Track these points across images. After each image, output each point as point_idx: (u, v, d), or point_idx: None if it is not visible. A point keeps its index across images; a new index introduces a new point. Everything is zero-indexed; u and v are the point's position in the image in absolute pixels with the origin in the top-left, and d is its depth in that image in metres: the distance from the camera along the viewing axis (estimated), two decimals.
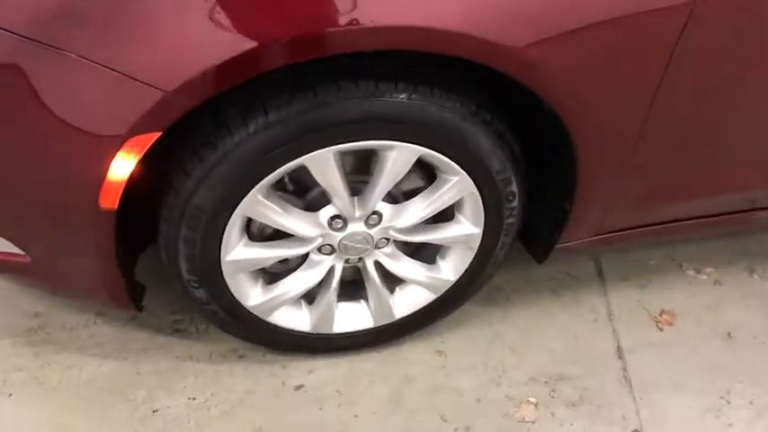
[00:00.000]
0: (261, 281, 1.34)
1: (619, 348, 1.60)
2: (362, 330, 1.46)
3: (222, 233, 1.17)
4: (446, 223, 1.34)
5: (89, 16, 0.91)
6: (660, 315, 1.68)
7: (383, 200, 1.25)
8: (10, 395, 1.38)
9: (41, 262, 1.20)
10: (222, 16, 0.92)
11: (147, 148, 1.01)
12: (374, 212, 1.25)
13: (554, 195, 1.37)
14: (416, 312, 1.47)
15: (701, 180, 1.39)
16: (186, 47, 0.93)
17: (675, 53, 1.09)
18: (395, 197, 1.32)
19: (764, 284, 1.79)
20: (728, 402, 1.50)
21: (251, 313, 1.34)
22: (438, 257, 1.42)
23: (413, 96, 1.08)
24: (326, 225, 1.24)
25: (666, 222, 1.50)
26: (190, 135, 1.11)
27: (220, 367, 1.47)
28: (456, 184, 1.23)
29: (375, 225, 1.27)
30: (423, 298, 1.45)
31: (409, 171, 1.24)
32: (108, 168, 1.01)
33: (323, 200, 1.23)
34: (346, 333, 1.46)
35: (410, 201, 1.28)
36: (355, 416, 1.41)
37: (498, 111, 1.21)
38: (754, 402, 1.50)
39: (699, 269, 1.82)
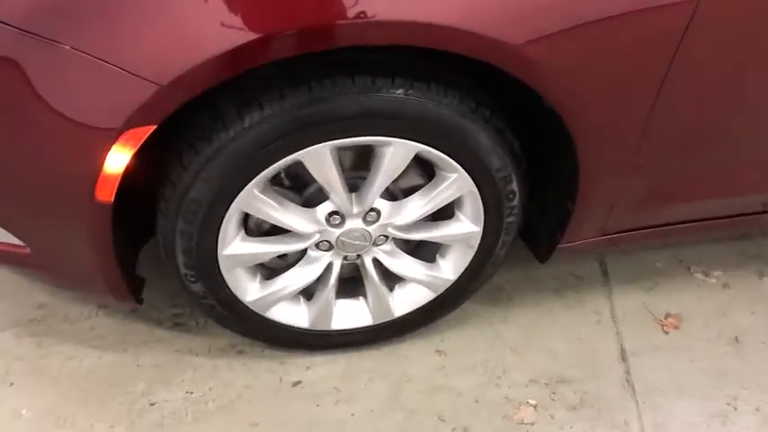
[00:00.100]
0: (259, 276, 1.34)
1: (622, 351, 1.57)
2: (361, 328, 1.46)
3: (219, 227, 1.17)
4: (446, 221, 1.33)
5: (84, 9, 0.92)
6: (666, 318, 1.66)
7: (381, 197, 1.24)
8: (11, 384, 1.40)
9: (41, 253, 1.21)
10: (216, 9, 0.92)
11: (142, 141, 1.02)
12: (372, 209, 1.24)
13: (556, 194, 1.36)
14: (416, 311, 1.46)
15: (706, 181, 1.36)
16: (181, 40, 0.93)
17: (679, 52, 1.07)
18: (394, 194, 1.31)
19: None
20: (735, 409, 1.47)
21: (248, 308, 1.34)
22: (438, 256, 1.41)
23: (410, 92, 1.07)
24: (324, 221, 1.24)
25: (673, 224, 1.48)
26: (187, 128, 1.11)
27: (219, 362, 1.48)
28: (455, 182, 1.22)
29: (373, 222, 1.26)
30: (422, 296, 1.44)
31: (408, 168, 1.23)
32: (104, 161, 1.02)
33: (321, 196, 1.22)
34: (345, 330, 1.45)
35: (408, 198, 1.27)
36: (352, 414, 1.41)
37: (499, 109, 1.20)
38: (761, 409, 1.47)
39: (707, 272, 1.79)
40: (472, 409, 1.43)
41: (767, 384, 1.51)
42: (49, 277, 1.41)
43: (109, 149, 1.00)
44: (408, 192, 1.29)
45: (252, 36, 0.92)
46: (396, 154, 1.14)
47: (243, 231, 1.24)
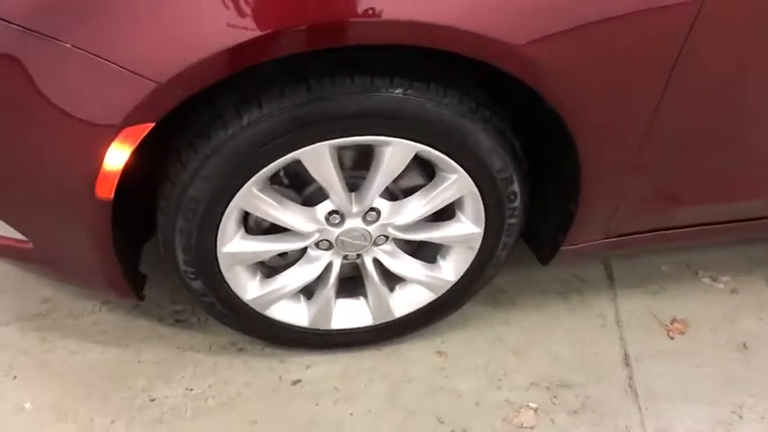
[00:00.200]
0: (259, 274, 1.34)
1: (626, 356, 1.55)
2: (361, 328, 1.45)
3: (218, 225, 1.17)
4: (446, 222, 1.32)
5: (84, 7, 0.92)
6: (671, 323, 1.63)
7: (382, 197, 1.24)
8: (15, 377, 1.42)
9: (43, 249, 1.22)
10: (214, 8, 0.92)
11: (140, 138, 1.02)
12: (372, 209, 1.24)
13: (558, 196, 1.35)
14: (416, 312, 1.45)
15: (712, 184, 1.34)
16: (179, 38, 0.93)
17: (683, 53, 1.05)
18: (394, 194, 1.31)
19: None
20: (740, 417, 1.45)
21: (248, 306, 1.34)
22: (439, 257, 1.40)
23: (409, 92, 1.06)
24: (324, 220, 1.24)
25: (678, 227, 1.46)
26: (186, 126, 1.12)
27: (219, 359, 1.48)
28: (455, 183, 1.21)
29: (373, 222, 1.26)
30: (423, 297, 1.44)
31: (408, 168, 1.23)
32: (103, 158, 1.02)
33: (320, 195, 1.22)
34: (345, 330, 1.45)
35: (408, 198, 1.26)
36: (351, 413, 1.40)
37: (500, 109, 1.19)
38: (767, 418, 1.44)
39: (715, 277, 1.76)
40: (472, 411, 1.43)
41: None
42: (52, 272, 1.43)
43: (108, 146, 1.01)
44: (409, 192, 1.28)
45: (249, 35, 0.92)
46: (395, 154, 1.14)
47: (242, 229, 1.24)
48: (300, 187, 1.27)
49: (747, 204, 1.44)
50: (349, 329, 1.45)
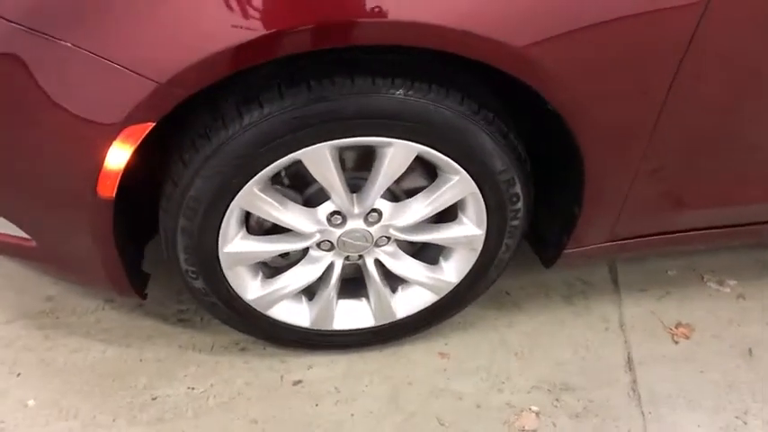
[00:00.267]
0: (261, 274, 1.34)
1: (629, 360, 1.54)
2: (363, 329, 1.45)
3: (219, 225, 1.17)
4: (448, 224, 1.32)
5: (85, 7, 0.93)
6: (676, 327, 1.62)
7: (384, 198, 1.24)
8: (18, 375, 1.43)
9: (46, 247, 1.23)
10: (214, 8, 0.92)
11: (141, 138, 1.03)
12: (373, 210, 1.24)
13: (563, 198, 1.34)
14: (418, 313, 1.45)
15: (719, 187, 1.33)
16: (178, 39, 0.94)
17: (688, 54, 1.04)
18: (396, 195, 1.30)
19: None
20: (745, 423, 1.43)
21: (250, 306, 1.34)
22: (441, 258, 1.40)
23: (410, 93, 1.06)
24: (325, 221, 1.23)
25: (684, 231, 1.44)
26: (189, 126, 1.12)
27: (221, 358, 1.49)
28: (456, 184, 1.20)
29: (375, 223, 1.26)
30: (425, 299, 1.43)
31: (411, 169, 1.22)
32: (105, 157, 1.03)
33: (322, 196, 1.22)
34: (346, 330, 1.45)
35: (410, 199, 1.26)
36: (351, 414, 1.40)
37: (504, 111, 1.18)
38: None
39: (722, 281, 1.74)
40: (473, 413, 1.42)
41: None
42: (55, 270, 1.44)
43: (110, 145, 1.02)
44: (412, 193, 1.28)
45: (249, 35, 0.92)
46: (396, 155, 1.14)
47: (244, 229, 1.24)
48: (302, 188, 1.27)
49: (755, 208, 1.42)
50: (350, 330, 1.45)
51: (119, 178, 1.07)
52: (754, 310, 1.67)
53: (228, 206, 1.15)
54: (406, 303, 1.44)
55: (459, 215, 1.30)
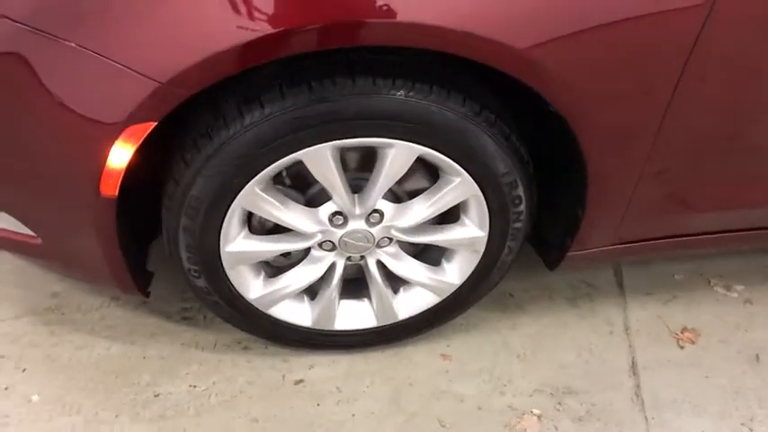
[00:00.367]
0: (263, 274, 1.35)
1: (633, 364, 1.53)
2: (365, 329, 1.45)
3: (221, 224, 1.18)
4: (450, 225, 1.32)
5: (87, 7, 0.94)
6: (682, 332, 1.60)
7: (386, 199, 1.24)
8: (24, 370, 1.44)
9: (51, 244, 1.24)
10: (215, 9, 0.93)
11: (143, 137, 1.03)
12: (375, 211, 1.24)
13: (566, 200, 1.33)
14: (420, 314, 1.44)
15: (725, 190, 1.31)
16: (180, 39, 0.94)
17: (693, 56, 1.03)
18: (399, 197, 1.30)
19: None
20: (751, 430, 1.41)
21: (252, 305, 1.35)
22: (443, 260, 1.39)
23: (411, 94, 1.06)
24: (327, 221, 1.24)
25: (691, 235, 1.43)
26: (190, 126, 1.13)
27: (224, 357, 1.49)
28: (458, 186, 1.20)
29: (376, 223, 1.26)
30: (427, 300, 1.43)
31: (413, 171, 1.22)
32: (107, 156, 1.04)
33: (324, 196, 1.22)
34: (348, 331, 1.45)
35: (412, 201, 1.26)
36: (352, 415, 1.40)
37: (506, 112, 1.18)
38: None
39: (729, 286, 1.72)
40: (474, 416, 1.41)
41: None
42: (60, 268, 1.45)
43: (112, 144, 1.02)
44: (414, 194, 1.28)
45: (250, 35, 0.92)
46: (397, 156, 1.13)
47: (246, 229, 1.24)
48: (304, 188, 1.27)
49: (761, 212, 1.40)
50: (352, 331, 1.45)
51: (121, 177, 1.08)
52: (762, 316, 1.65)
53: (230, 206, 1.15)
54: (408, 304, 1.43)
55: (462, 217, 1.30)
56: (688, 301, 1.68)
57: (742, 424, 1.42)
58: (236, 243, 1.23)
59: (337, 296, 1.39)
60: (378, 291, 1.39)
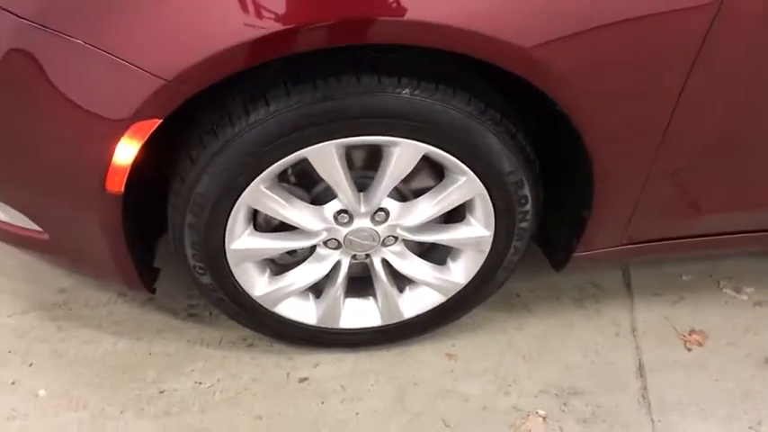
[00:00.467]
0: (268, 271, 1.35)
1: (640, 366, 1.51)
2: (370, 328, 1.45)
3: (226, 222, 1.18)
4: (456, 224, 1.31)
5: (93, 4, 0.94)
6: (690, 334, 1.59)
7: (391, 197, 1.23)
8: (31, 365, 1.45)
9: (58, 240, 1.25)
10: (220, 5, 0.93)
11: (149, 134, 1.04)
12: (380, 209, 1.23)
13: (572, 201, 1.32)
14: (425, 313, 1.44)
15: (735, 191, 1.30)
16: (184, 36, 0.94)
17: (701, 55, 1.02)
18: (404, 195, 1.30)
19: None
20: None
21: (257, 303, 1.35)
22: (449, 259, 1.39)
23: (416, 92, 1.06)
24: (332, 219, 1.24)
25: (701, 235, 1.41)
26: (196, 123, 1.13)
27: (229, 354, 1.50)
28: (464, 185, 1.20)
29: (382, 222, 1.26)
30: (432, 299, 1.43)
31: (419, 169, 1.22)
32: (113, 152, 1.04)
33: (329, 194, 1.22)
34: (353, 329, 1.45)
35: (417, 199, 1.25)
36: (356, 413, 1.40)
37: (512, 111, 1.17)
38: None
39: (738, 288, 1.71)
40: (479, 416, 1.41)
41: None
42: (67, 264, 1.46)
43: (118, 141, 1.03)
44: (420, 193, 1.27)
45: (253, 33, 0.92)
46: (403, 155, 1.13)
47: (251, 226, 1.25)
48: (310, 186, 1.27)
49: None
50: (357, 329, 1.45)
51: (127, 174, 1.08)
52: None
53: (235, 203, 1.16)
54: (414, 303, 1.43)
55: (467, 216, 1.29)
56: (696, 302, 1.67)
57: (750, 428, 1.41)
58: (242, 240, 1.23)
59: (342, 294, 1.39)
60: (383, 289, 1.38)
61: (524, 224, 1.29)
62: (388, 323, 1.44)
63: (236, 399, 1.41)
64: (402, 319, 1.44)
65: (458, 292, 1.41)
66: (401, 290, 1.42)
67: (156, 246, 1.46)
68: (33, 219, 1.22)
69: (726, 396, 1.47)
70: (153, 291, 1.39)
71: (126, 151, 1.05)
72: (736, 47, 1.03)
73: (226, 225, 1.19)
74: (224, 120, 1.07)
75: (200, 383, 1.44)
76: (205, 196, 1.14)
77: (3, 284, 1.62)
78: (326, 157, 1.11)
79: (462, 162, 1.15)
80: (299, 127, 1.06)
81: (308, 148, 1.09)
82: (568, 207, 1.34)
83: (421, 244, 1.41)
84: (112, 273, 1.28)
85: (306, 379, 1.46)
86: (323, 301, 1.39)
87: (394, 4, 0.94)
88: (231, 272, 1.27)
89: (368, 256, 1.33)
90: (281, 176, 1.22)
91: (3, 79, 0.99)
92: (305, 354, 1.50)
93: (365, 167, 1.26)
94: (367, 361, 1.50)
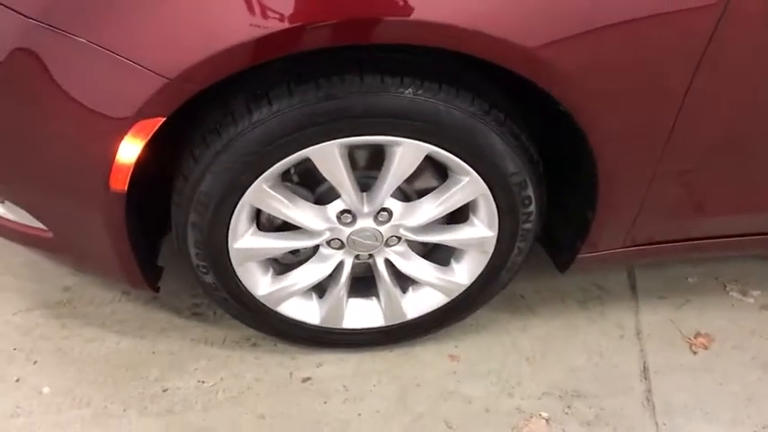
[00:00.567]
0: (271, 271, 1.35)
1: (645, 369, 1.50)
2: (373, 328, 1.45)
3: (229, 221, 1.18)
4: (459, 225, 1.31)
5: (97, 3, 0.94)
6: (695, 337, 1.58)
7: (395, 198, 1.23)
8: (35, 362, 1.46)
9: (62, 238, 1.26)
10: (223, 4, 0.93)
11: (152, 132, 1.04)
12: (383, 209, 1.23)
13: (575, 202, 1.31)
14: (429, 314, 1.44)
15: (742, 192, 1.28)
16: (187, 35, 0.95)
17: (706, 55, 1.01)
18: (408, 195, 1.30)
19: None
20: None
21: (260, 302, 1.35)
22: (452, 260, 1.38)
23: (419, 92, 1.05)
24: (335, 219, 1.23)
25: (708, 237, 1.40)
26: (200, 122, 1.13)
27: (232, 353, 1.50)
28: (467, 185, 1.19)
29: (385, 222, 1.25)
30: (435, 300, 1.42)
31: (422, 170, 1.22)
32: (116, 151, 1.04)
33: (332, 194, 1.22)
34: (356, 329, 1.44)
35: (421, 199, 1.25)
36: (358, 414, 1.40)
37: (516, 111, 1.17)
38: None
39: (745, 291, 1.69)
40: (481, 417, 1.40)
41: None
42: (71, 262, 1.47)
43: (121, 139, 1.03)
44: (423, 193, 1.27)
45: (254, 33, 0.92)
46: (406, 154, 1.13)
47: (254, 226, 1.25)
48: (313, 185, 1.27)
49: None
50: (360, 329, 1.45)
51: (130, 172, 1.08)
52: None
53: (238, 202, 1.16)
54: (417, 304, 1.43)
55: (471, 217, 1.29)
56: (702, 305, 1.66)
57: (754, 431, 1.40)
58: (245, 240, 1.23)
59: (345, 294, 1.39)
60: (386, 290, 1.38)
61: (528, 225, 1.28)
62: (391, 324, 1.44)
63: (239, 398, 1.41)
64: (405, 320, 1.44)
65: (461, 293, 1.40)
66: (404, 290, 1.42)
67: (160, 244, 1.47)
68: (38, 217, 1.23)
69: (731, 399, 1.45)
70: (157, 289, 1.40)
71: (129, 150, 1.05)
72: (742, 47, 1.02)
73: (229, 224, 1.19)
74: (227, 119, 1.07)
75: (204, 382, 1.44)
76: (208, 195, 1.14)
77: (9, 282, 1.63)
78: (329, 157, 1.11)
79: (465, 162, 1.15)
80: (302, 126, 1.06)
81: (311, 147, 1.09)
82: (573, 208, 1.34)
83: (424, 244, 1.40)
84: (116, 271, 1.28)
85: (309, 379, 1.46)
86: (326, 301, 1.39)
87: (399, 4, 0.94)
88: (234, 271, 1.28)
89: (371, 256, 1.33)
90: (285, 176, 1.22)
91: (7, 78, 0.99)
92: (308, 354, 1.50)
93: (368, 167, 1.26)
94: (370, 361, 1.50)
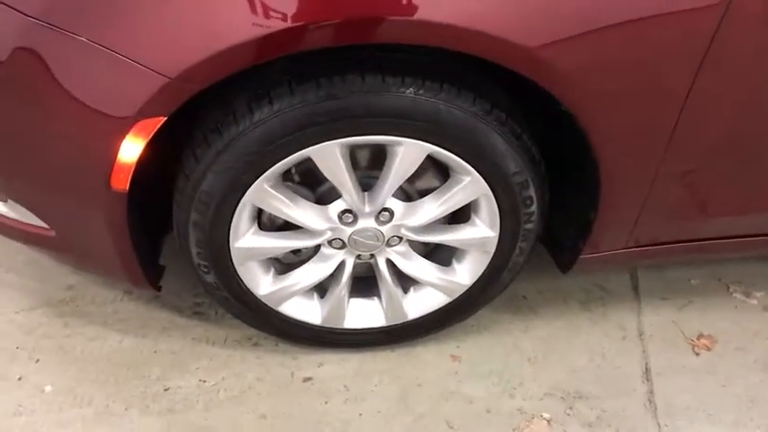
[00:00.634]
0: (272, 270, 1.35)
1: (647, 370, 1.50)
2: (374, 328, 1.45)
3: (230, 220, 1.18)
4: (460, 225, 1.30)
5: (98, 2, 0.95)
6: (698, 339, 1.57)
7: (396, 198, 1.23)
8: (37, 361, 1.46)
9: (65, 237, 1.26)
10: (224, 4, 0.93)
11: (153, 132, 1.04)
12: (385, 209, 1.23)
13: (577, 202, 1.31)
14: (430, 314, 1.43)
15: (745, 193, 1.28)
16: (189, 34, 0.95)
17: (708, 55, 1.01)
18: (409, 195, 1.29)
19: None
20: None
21: (261, 302, 1.35)
22: (454, 260, 1.38)
23: (420, 92, 1.05)
24: (336, 219, 1.23)
25: (711, 239, 1.40)
26: (201, 121, 1.13)
27: (234, 353, 1.50)
28: (468, 185, 1.19)
29: (386, 222, 1.25)
30: (437, 300, 1.42)
31: (424, 169, 1.22)
32: (118, 150, 1.05)
33: (334, 194, 1.22)
34: (358, 329, 1.44)
35: (422, 199, 1.25)
36: (360, 414, 1.40)
37: (517, 111, 1.16)
38: None
39: (748, 292, 1.69)
40: (483, 418, 1.40)
41: None
42: (73, 260, 1.47)
43: (123, 138, 1.03)
44: (425, 193, 1.27)
45: (255, 32, 0.92)
46: (407, 154, 1.13)
47: (255, 225, 1.25)
48: (315, 185, 1.27)
49: None
50: (362, 329, 1.45)
51: (132, 171, 1.09)
52: None
53: (239, 202, 1.16)
54: (418, 304, 1.42)
55: (472, 217, 1.29)
56: (705, 306, 1.65)
57: None
58: (246, 239, 1.23)
59: (347, 294, 1.39)
60: (387, 290, 1.38)
61: (530, 225, 1.28)
62: (393, 324, 1.44)
63: (240, 397, 1.42)
64: (406, 320, 1.44)
65: (462, 294, 1.40)
66: (406, 290, 1.42)
67: (162, 244, 1.47)
68: (40, 215, 1.23)
69: (734, 401, 1.45)
70: (158, 288, 1.40)
71: (131, 149, 1.05)
72: (745, 47, 1.01)
73: (230, 223, 1.19)
74: (228, 118, 1.07)
75: (205, 382, 1.44)
76: (210, 194, 1.14)
77: (12, 281, 1.63)
78: (330, 157, 1.11)
79: (467, 162, 1.14)
80: (303, 126, 1.06)
81: (312, 147, 1.09)
82: (575, 208, 1.33)
83: (426, 244, 1.40)
84: (118, 270, 1.29)
85: (310, 378, 1.46)
86: (327, 301, 1.39)
87: (401, 4, 0.94)
88: (236, 270, 1.28)
89: (372, 256, 1.33)
90: (286, 175, 1.22)
91: (8, 77, 0.99)
92: (309, 353, 1.50)
93: (370, 167, 1.26)
94: (371, 361, 1.50)
